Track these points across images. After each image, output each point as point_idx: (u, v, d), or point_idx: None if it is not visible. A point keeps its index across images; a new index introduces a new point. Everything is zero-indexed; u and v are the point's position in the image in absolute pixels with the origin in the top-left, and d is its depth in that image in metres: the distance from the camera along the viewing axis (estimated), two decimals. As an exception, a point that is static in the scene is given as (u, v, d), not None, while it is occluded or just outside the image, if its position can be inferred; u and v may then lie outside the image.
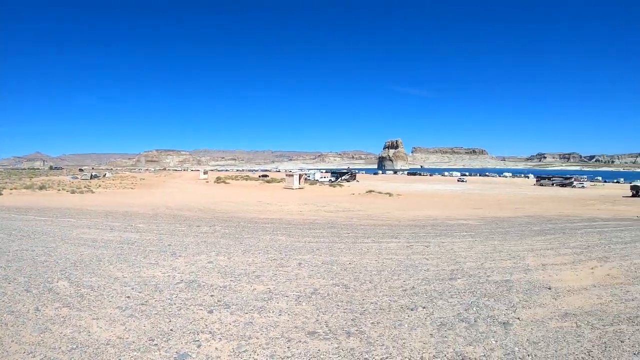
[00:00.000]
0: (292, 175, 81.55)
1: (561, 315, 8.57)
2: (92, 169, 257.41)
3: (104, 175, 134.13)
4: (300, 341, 7.03)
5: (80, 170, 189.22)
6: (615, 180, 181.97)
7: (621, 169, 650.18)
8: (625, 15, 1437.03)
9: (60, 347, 6.73)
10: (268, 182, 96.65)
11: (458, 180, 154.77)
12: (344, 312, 8.44)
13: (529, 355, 6.73)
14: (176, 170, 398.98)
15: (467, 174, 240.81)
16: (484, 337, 7.40)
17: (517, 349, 6.96)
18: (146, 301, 8.97)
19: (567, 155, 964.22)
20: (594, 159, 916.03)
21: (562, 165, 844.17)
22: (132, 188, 68.79)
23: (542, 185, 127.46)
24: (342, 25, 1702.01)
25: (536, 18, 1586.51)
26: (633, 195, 76.39)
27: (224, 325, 7.63)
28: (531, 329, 7.80)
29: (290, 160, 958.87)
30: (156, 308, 8.52)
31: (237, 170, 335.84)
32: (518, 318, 8.33)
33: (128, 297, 9.26)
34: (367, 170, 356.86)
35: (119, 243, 16.31)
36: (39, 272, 11.48)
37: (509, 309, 8.84)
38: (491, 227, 25.24)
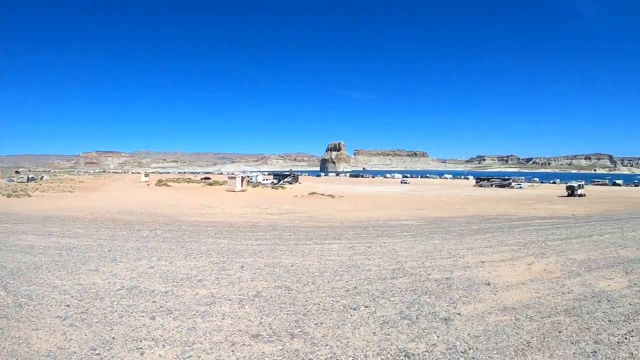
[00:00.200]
0: (235, 178, 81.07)
1: (500, 309, 8.98)
2: (29, 171, 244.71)
3: (42, 178, 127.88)
4: (244, 344, 7.07)
5: (17, 172, 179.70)
6: (551, 181, 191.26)
7: (557, 171, 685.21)
8: (562, 16, 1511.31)
9: (-4, 362, 6.52)
10: (210, 184, 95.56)
11: (401, 182, 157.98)
12: (287, 314, 8.53)
13: (470, 349, 7.02)
14: (116, 172, 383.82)
15: (408, 175, 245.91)
16: (426, 333, 7.66)
17: (458, 343, 7.25)
18: (87, 309, 8.76)
19: (505, 158, 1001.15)
20: (531, 161, 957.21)
21: (500, 167, 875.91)
22: (71, 191, 66.19)
23: (482, 187, 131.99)
24: (285, 27, 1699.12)
25: (475, 19, 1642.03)
26: (568, 195, 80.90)
27: (167, 332, 7.58)
28: (472, 323, 8.13)
29: (233, 162, 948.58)
30: (97, 316, 8.35)
31: (179, 173, 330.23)
32: (459, 314, 8.66)
33: (68, 305, 9.01)
34: (310, 173, 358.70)
35: (57, 249, 15.80)
36: (-29, 282, 10.96)
37: (450, 305, 9.17)
38: (432, 227, 25.97)
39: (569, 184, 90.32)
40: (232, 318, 8.25)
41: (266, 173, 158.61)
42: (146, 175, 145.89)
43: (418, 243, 18.11)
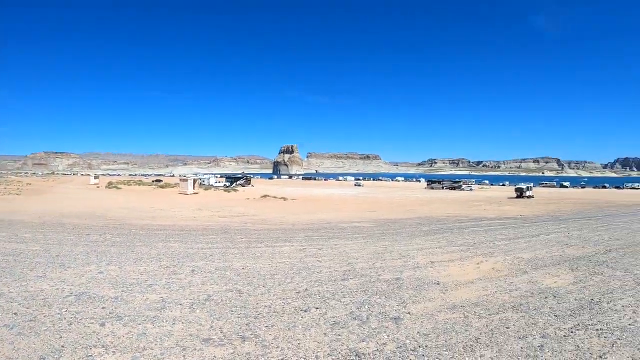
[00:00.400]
0: (187, 180, 79.90)
1: (449, 307, 9.19)
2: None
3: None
4: (195, 349, 7.02)
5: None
6: (501, 184, 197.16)
7: (506, 173, 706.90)
8: (507, 16, 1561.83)
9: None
10: (162, 187, 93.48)
11: (355, 185, 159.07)
12: (238, 317, 8.49)
13: (420, 347, 7.15)
14: (65, 174, 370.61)
15: (361, 178, 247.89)
16: (376, 332, 7.77)
17: (408, 341, 7.37)
18: (35, 317, 8.46)
19: (456, 161, 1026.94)
20: (482, 164, 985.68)
21: (451, 170, 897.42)
22: (17, 194, 63.29)
23: (433, 189, 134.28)
24: (237, 28, 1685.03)
25: (430, 22, 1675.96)
26: (517, 197, 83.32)
27: (117, 338, 7.44)
28: (421, 322, 8.29)
29: (185, 164, 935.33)
30: (45, 324, 8.08)
31: (130, 175, 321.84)
32: (409, 313, 8.81)
33: (15, 313, 8.68)
34: (263, 175, 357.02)
35: (3, 255, 15.09)
36: None
37: (400, 305, 9.32)
38: (383, 228, 26.25)
39: (517, 186, 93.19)
40: (182, 322, 8.17)
41: (219, 175, 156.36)
42: (96, 177, 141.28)
43: (369, 245, 18.28)
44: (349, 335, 7.59)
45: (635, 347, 7.20)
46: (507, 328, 7.95)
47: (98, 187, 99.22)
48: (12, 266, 13.15)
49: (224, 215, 35.79)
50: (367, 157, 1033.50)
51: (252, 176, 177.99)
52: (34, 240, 18.62)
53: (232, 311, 8.86)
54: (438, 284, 11.23)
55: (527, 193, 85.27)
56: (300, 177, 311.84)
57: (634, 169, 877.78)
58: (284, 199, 64.19)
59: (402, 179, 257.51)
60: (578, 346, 7.22)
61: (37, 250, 16.16)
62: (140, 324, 8.09)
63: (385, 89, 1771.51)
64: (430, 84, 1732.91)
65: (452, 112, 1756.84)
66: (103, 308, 9.00)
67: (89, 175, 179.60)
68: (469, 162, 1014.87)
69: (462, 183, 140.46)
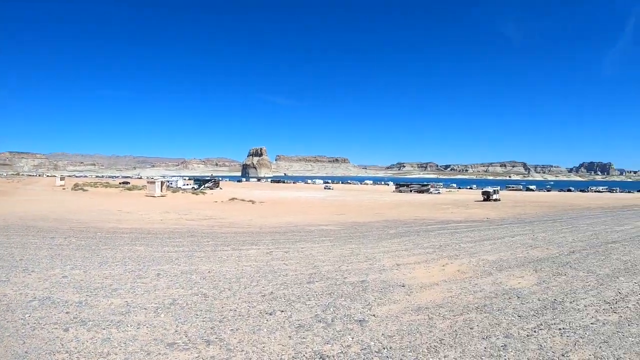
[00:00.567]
0: (154, 183, 78.79)
1: (414, 309, 9.26)
2: None
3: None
4: (159, 353, 6.96)
5: None
6: (468, 187, 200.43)
7: (474, 177, 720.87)
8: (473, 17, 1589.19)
9: None
10: (129, 189, 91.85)
11: (324, 188, 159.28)
12: (203, 321, 8.45)
13: (384, 348, 7.18)
14: (31, 175, 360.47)
15: (330, 181, 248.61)
16: (341, 335, 7.78)
17: (372, 343, 7.40)
18: None
19: (424, 165, 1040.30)
20: (450, 168, 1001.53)
21: (420, 174, 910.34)
22: None
23: (401, 192, 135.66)
24: (205, 28, 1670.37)
25: (399, 23, 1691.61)
26: (484, 200, 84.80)
27: (81, 343, 7.31)
28: (386, 324, 8.32)
29: (153, 166, 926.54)
30: (8, 329, 7.90)
31: (97, 177, 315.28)
32: (373, 315, 8.84)
33: None
34: (231, 178, 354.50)
35: None
36: None
37: (365, 307, 9.36)
38: (350, 231, 26.37)
39: (484, 190, 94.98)
40: (147, 327, 8.08)
41: (187, 178, 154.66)
42: (62, 179, 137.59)
43: (335, 247, 18.33)
44: (314, 338, 7.60)
45: (597, 346, 7.38)
46: (471, 329, 8.05)
47: (64, 189, 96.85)
48: (-26, 271, 12.82)
49: (192, 219, 35.44)
50: (336, 160, 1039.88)
51: (220, 179, 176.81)
52: (-3, 244, 18.17)
53: (197, 315, 8.81)
54: (403, 286, 11.31)
55: (494, 196, 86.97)
56: (269, 180, 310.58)
57: (599, 173, 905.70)
58: (252, 202, 63.86)
59: (371, 182, 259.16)
60: (541, 345, 7.35)
61: (0, 254, 15.79)
62: (104, 329, 7.99)
63: (353, 93, 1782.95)
64: (398, 89, 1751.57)
65: (421, 117, 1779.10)
66: (67, 313, 8.85)
67: (54, 176, 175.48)
68: (437, 165, 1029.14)
69: (430, 186, 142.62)
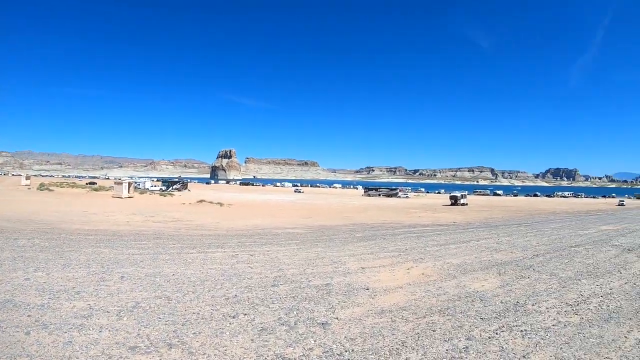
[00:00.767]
0: (122, 184, 77.63)
1: (378, 312, 9.31)
2: None
3: None
4: (121, 357, 6.90)
5: None
6: (437, 191, 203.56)
7: (442, 182, 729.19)
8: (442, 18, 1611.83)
9: None
10: (96, 190, 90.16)
11: (295, 191, 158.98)
12: (166, 324, 8.38)
13: (346, 351, 7.20)
14: None
15: (299, 184, 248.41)
16: (303, 338, 7.79)
17: (335, 346, 7.41)
18: None
19: (393, 169, 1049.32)
20: (418, 173, 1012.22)
21: (389, 178, 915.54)
22: None
23: (370, 196, 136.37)
24: (174, 25, 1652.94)
25: (374, 30, 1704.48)
26: (452, 204, 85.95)
27: (42, 347, 7.18)
28: (349, 327, 8.35)
29: (121, 167, 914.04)
30: None
31: (63, 177, 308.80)
32: (337, 318, 8.87)
33: None
34: (200, 180, 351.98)
35: None
36: None
37: (329, 310, 9.38)
38: (317, 235, 26.42)
39: (452, 194, 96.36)
40: (109, 330, 7.99)
41: (155, 179, 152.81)
42: (27, 178, 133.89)
43: (301, 251, 18.35)
44: (276, 341, 7.59)
45: (558, 347, 7.54)
46: (433, 331, 8.13)
47: (29, 188, 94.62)
48: None
49: (158, 221, 35.06)
50: (305, 163, 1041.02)
51: (189, 180, 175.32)
52: (-43, 245, 17.71)
53: (159, 318, 8.73)
54: (367, 289, 11.38)
55: (462, 201, 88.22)
56: (238, 182, 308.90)
57: (565, 178, 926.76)
58: (220, 204, 63.42)
59: (340, 186, 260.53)
60: (502, 347, 7.47)
61: (-39, 256, 15.40)
62: (66, 332, 7.88)
63: (323, 96, 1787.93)
64: (368, 93, 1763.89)
65: (390, 121, 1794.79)
66: (29, 316, 8.70)
67: (20, 175, 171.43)
68: (406, 170, 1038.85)
69: (398, 190, 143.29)
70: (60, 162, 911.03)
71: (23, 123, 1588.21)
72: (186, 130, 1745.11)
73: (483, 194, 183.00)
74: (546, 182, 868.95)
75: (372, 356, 7.00)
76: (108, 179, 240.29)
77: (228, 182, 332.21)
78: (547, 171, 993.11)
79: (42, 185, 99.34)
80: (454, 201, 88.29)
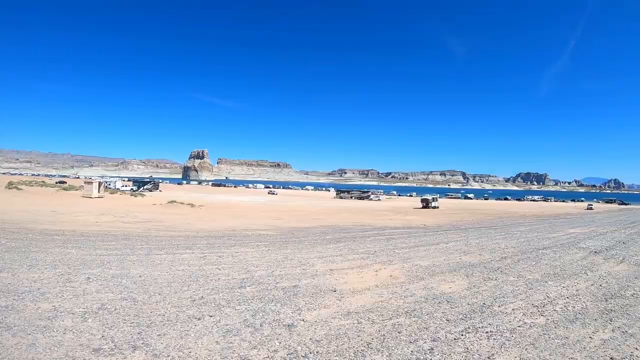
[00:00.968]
0: (92, 183, 76.47)
1: (344, 314, 9.32)
2: None
3: None
4: (84, 359, 6.83)
5: None
6: (408, 194, 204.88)
7: (414, 185, 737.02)
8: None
9: None
10: (65, 189, 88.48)
11: (269, 193, 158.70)
12: (131, 326, 8.31)
13: (311, 353, 7.21)
14: None
15: (271, 186, 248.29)
16: (268, 340, 7.78)
17: (300, 348, 7.41)
18: None
19: (365, 172, 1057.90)
20: (390, 175, 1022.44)
21: (361, 180, 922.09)
22: None
23: (342, 198, 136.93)
24: (144, 24, 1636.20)
25: (339, 27, 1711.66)
26: (423, 207, 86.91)
27: (5, 349, 7.08)
28: (315, 328, 8.36)
29: (92, 166, 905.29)
30: None
31: (33, 175, 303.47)
32: (303, 320, 8.86)
33: None
34: (172, 180, 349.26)
35: None
36: None
37: (295, 312, 9.37)
38: (287, 236, 26.35)
39: (423, 197, 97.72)
40: (73, 332, 7.89)
41: (126, 179, 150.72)
42: None
43: (270, 252, 18.28)
44: (241, 343, 7.57)
45: (523, 348, 7.64)
46: (399, 333, 8.17)
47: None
48: None
49: (128, 221, 34.58)
50: (278, 165, 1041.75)
51: (160, 181, 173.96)
52: None
53: (124, 320, 8.66)
54: (335, 291, 11.40)
55: (433, 204, 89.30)
56: (210, 183, 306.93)
57: (535, 183, 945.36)
58: (192, 205, 62.89)
59: (312, 188, 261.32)
60: (468, 348, 7.54)
61: None
62: (30, 334, 7.78)
63: (296, 97, 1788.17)
64: (341, 95, 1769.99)
65: (363, 124, 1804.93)
66: (-7, 318, 8.54)
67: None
68: (379, 173, 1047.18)
69: (370, 193, 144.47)
70: (30, 160, 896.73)
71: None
72: (159, 130, 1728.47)
73: (454, 198, 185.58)
74: (517, 186, 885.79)
75: (337, 358, 7.01)
76: (78, 178, 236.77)
77: (200, 182, 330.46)
78: (518, 175, 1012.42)
79: (10, 183, 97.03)
80: (425, 204, 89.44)
